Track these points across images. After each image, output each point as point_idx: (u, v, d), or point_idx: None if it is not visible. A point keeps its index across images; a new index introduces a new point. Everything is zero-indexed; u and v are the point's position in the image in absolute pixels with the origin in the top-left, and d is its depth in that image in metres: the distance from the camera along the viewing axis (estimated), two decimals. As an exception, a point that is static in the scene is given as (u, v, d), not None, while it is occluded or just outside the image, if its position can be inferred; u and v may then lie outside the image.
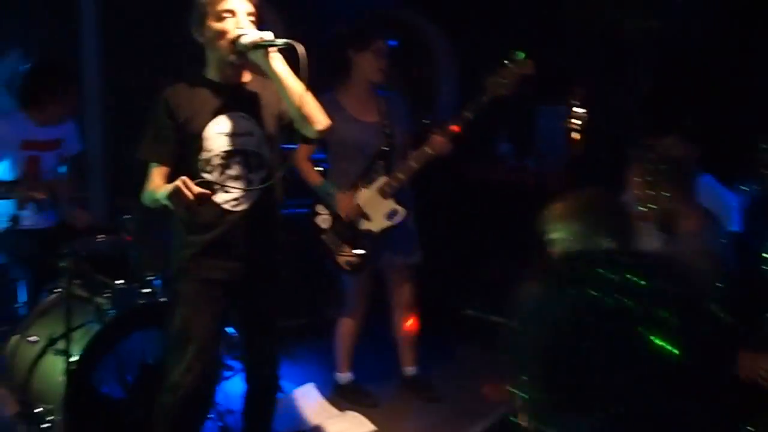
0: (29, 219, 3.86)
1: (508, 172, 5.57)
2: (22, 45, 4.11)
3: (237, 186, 2.76)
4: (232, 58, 2.71)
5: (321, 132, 2.79)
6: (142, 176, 2.81)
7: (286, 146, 3.01)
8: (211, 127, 2.74)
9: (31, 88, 3.88)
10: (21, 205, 3.74)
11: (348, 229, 3.81)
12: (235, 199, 2.78)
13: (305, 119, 2.73)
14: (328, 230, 3.83)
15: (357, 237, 3.80)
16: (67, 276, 3.15)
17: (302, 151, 3.78)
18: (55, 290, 3.48)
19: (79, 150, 4.38)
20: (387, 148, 3.79)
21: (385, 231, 3.80)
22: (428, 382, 4.32)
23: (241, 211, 2.78)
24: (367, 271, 3.91)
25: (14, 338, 3.37)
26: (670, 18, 4.49)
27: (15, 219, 3.72)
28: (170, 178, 2.69)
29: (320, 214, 3.85)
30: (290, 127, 2.85)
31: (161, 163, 2.77)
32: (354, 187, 3.79)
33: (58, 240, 3.53)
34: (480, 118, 3.63)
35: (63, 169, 4.18)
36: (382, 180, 3.77)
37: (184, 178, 2.51)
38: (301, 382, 4.20)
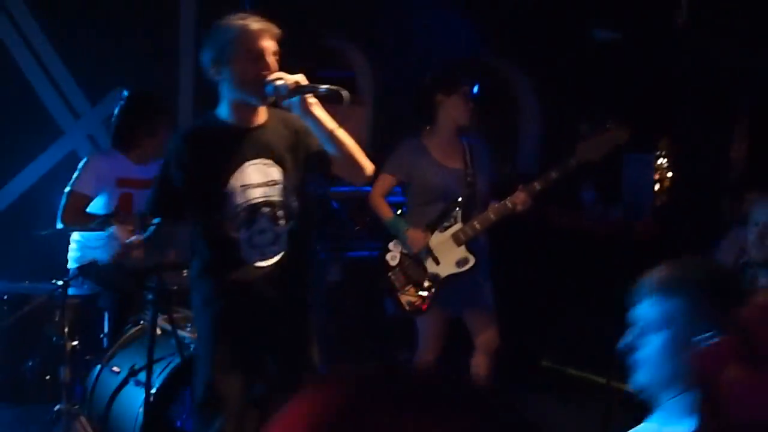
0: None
1: (593, 220, 5.44)
2: (124, 85, 4.30)
3: (265, 241, 2.61)
4: (262, 102, 2.57)
5: (367, 178, 2.70)
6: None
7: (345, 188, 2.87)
8: (235, 180, 2.55)
9: (127, 125, 4.00)
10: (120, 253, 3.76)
11: (415, 270, 3.78)
12: (262, 255, 2.62)
13: (351, 166, 2.61)
14: (396, 268, 3.82)
15: (423, 278, 3.77)
16: (152, 309, 3.24)
17: (378, 188, 3.81)
18: (139, 322, 3.58)
19: None
20: (467, 196, 3.79)
21: (452, 277, 3.76)
22: None
23: (270, 265, 2.63)
24: (441, 316, 3.86)
25: (97, 368, 3.47)
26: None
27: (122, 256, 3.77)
28: (195, 232, 2.63)
29: (390, 251, 3.85)
30: (318, 161, 2.66)
31: (167, 218, 2.69)
32: (429, 229, 3.78)
33: (146, 274, 3.66)
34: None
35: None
36: (457, 226, 3.75)
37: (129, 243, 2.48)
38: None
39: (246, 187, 2.56)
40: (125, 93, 4.08)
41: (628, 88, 5.37)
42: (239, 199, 2.55)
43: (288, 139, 2.65)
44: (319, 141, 2.62)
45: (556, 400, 4.61)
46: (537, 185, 3.63)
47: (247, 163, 2.57)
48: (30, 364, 3.57)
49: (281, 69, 2.55)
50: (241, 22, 2.53)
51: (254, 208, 2.57)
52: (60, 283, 3.32)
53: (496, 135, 7.37)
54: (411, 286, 3.78)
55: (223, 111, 2.62)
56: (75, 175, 3.93)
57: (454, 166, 3.84)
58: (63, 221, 3.85)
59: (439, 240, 3.76)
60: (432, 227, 3.79)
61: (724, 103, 4.93)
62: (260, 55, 2.49)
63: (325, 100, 2.59)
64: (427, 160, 3.77)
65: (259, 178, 2.58)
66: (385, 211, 3.84)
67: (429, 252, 3.77)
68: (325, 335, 4.68)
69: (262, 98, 2.54)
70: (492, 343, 3.99)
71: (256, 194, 2.57)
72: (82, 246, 4.01)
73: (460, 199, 3.78)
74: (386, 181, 3.84)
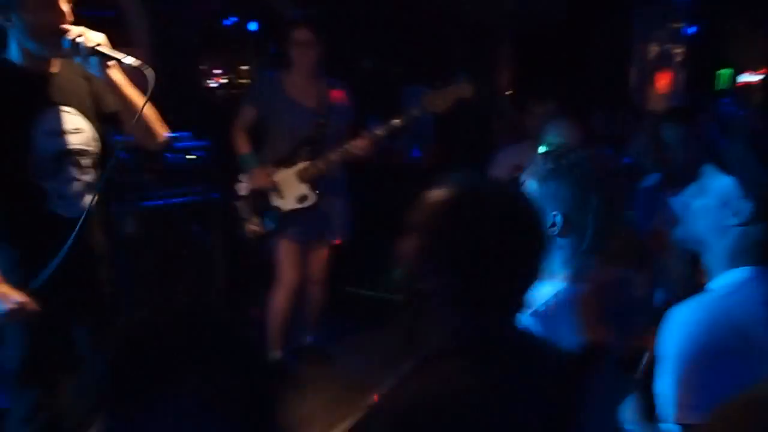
0: None
1: (382, 152, 5.69)
2: None
3: (74, 191, 2.49)
4: (56, 55, 2.42)
5: (161, 144, 2.65)
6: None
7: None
8: (37, 127, 2.40)
9: None
10: None
11: (260, 202, 3.99)
12: (72, 206, 2.49)
13: (145, 131, 2.54)
14: (244, 199, 4.03)
15: (266, 210, 3.98)
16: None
17: (240, 121, 3.97)
18: None
19: None
20: (318, 136, 3.93)
21: (294, 212, 3.97)
22: (325, 351, 4.47)
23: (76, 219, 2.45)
24: (291, 247, 4.04)
25: None
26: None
27: None
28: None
29: (242, 182, 4.04)
30: (113, 121, 2.59)
31: None
32: (277, 164, 3.95)
33: None
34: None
35: None
36: (304, 165, 3.91)
37: (20, 301, 2.27)
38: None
39: (50, 133, 2.43)
40: None
41: (402, 24, 5.63)
42: (42, 147, 2.41)
43: (85, 88, 2.55)
44: (113, 101, 2.54)
45: (364, 324, 4.86)
46: (380, 132, 3.83)
47: (49, 109, 2.43)
48: None
49: None
50: None
51: (61, 157, 2.44)
52: None
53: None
54: (255, 216, 4.01)
55: (14, 56, 2.42)
56: None
57: (307, 105, 3.95)
58: None
59: (285, 176, 3.95)
60: (280, 163, 3.97)
61: (489, 36, 5.35)
62: (54, 2, 2.32)
63: (125, 72, 2.48)
64: (281, 96, 3.92)
65: (63, 126, 2.45)
66: (242, 146, 4.00)
67: (275, 186, 3.97)
68: (125, 288, 4.55)
69: (57, 52, 2.40)
70: (323, 272, 4.27)
71: (62, 142, 2.44)
72: None
73: (309, 137, 3.92)
74: (247, 112, 4.00)
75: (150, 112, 2.54)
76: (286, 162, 3.97)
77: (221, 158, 4.87)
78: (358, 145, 3.83)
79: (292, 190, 3.96)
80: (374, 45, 6.00)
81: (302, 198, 3.95)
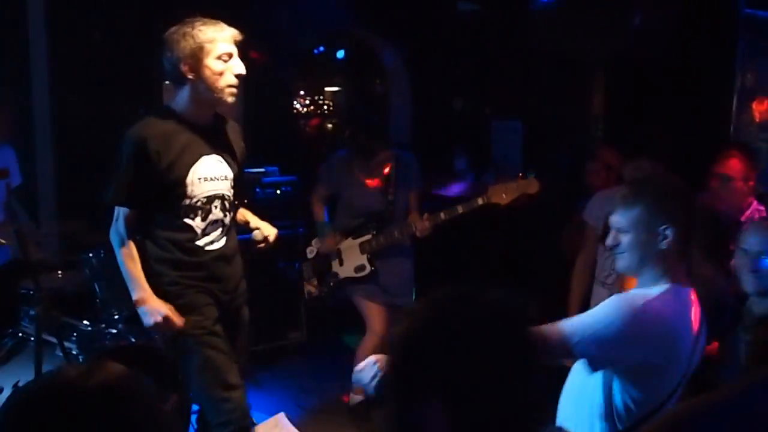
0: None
1: (467, 187, 5.63)
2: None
3: (216, 232, 2.81)
4: (230, 100, 2.71)
5: None
6: (102, 212, 2.76)
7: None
8: (194, 172, 2.71)
9: None
10: None
11: (322, 266, 4.22)
12: (211, 242, 2.81)
13: None
14: (309, 260, 4.28)
15: (326, 275, 4.20)
16: (37, 323, 3.05)
17: (316, 194, 4.22)
18: (18, 335, 3.38)
19: (19, 183, 4.36)
20: (385, 212, 4.10)
21: (349, 279, 4.13)
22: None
23: (217, 250, 2.82)
24: (382, 299, 4.12)
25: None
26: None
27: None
28: (145, 220, 2.73)
29: (311, 246, 4.29)
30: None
31: (135, 208, 2.71)
32: (343, 234, 4.16)
33: (14, 278, 3.43)
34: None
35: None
36: (368, 237, 4.10)
37: (168, 315, 2.59)
38: (269, 411, 4.16)
39: (203, 179, 2.73)
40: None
41: (492, 59, 5.56)
42: (197, 190, 2.72)
43: (231, 139, 2.90)
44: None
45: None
46: (443, 216, 3.87)
47: (204, 157, 2.74)
48: None
49: None
50: (211, 27, 2.65)
51: (209, 200, 2.76)
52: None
53: (368, 107, 7.45)
54: (315, 278, 4.25)
55: (181, 107, 2.73)
56: None
57: (374, 185, 4.10)
58: None
59: (349, 245, 4.14)
60: (347, 233, 4.16)
61: (580, 72, 5.21)
62: (230, 57, 2.66)
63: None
64: (351, 179, 4.08)
65: (213, 173, 2.77)
66: (318, 214, 4.25)
67: (338, 254, 4.15)
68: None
69: (231, 95, 2.70)
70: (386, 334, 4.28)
71: (211, 187, 2.76)
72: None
73: (375, 214, 4.08)
74: (321, 189, 4.23)
75: None
76: (352, 233, 4.14)
77: (307, 193, 4.95)
78: (420, 227, 3.93)
79: (351, 260, 4.14)
80: (464, 83, 5.95)
81: (360, 268, 4.12)
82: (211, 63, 2.62)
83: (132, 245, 2.70)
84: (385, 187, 4.11)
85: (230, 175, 2.83)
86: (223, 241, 2.84)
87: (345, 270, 4.16)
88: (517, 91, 5.54)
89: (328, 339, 5.12)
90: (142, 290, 2.65)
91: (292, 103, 7.29)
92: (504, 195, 3.73)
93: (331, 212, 4.27)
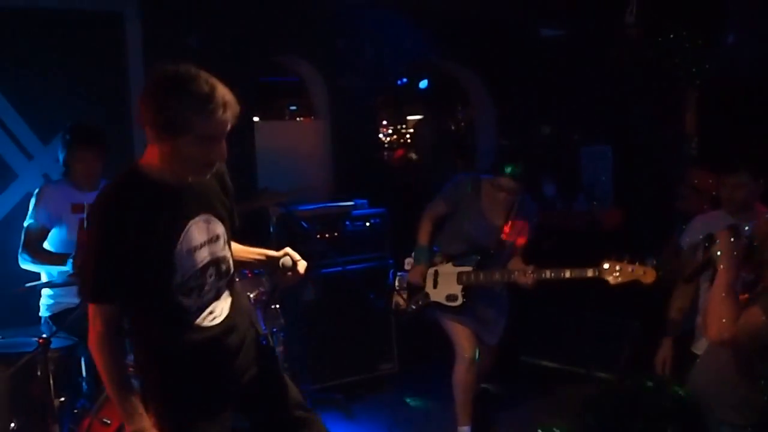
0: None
1: (557, 214, 5.56)
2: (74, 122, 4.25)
3: (209, 299, 2.37)
4: (197, 179, 2.29)
5: None
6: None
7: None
8: (181, 245, 2.25)
9: (62, 154, 3.97)
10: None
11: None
12: (211, 312, 2.39)
13: None
14: (405, 273, 4.26)
15: (417, 292, 4.16)
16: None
17: (431, 211, 4.15)
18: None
19: None
20: (494, 251, 4.04)
21: (439, 304, 4.09)
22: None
23: (220, 323, 2.41)
24: (472, 326, 4.09)
25: (87, 421, 3.40)
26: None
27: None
28: (135, 309, 2.30)
29: (410, 258, 4.24)
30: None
31: (117, 304, 2.22)
32: (446, 258, 4.11)
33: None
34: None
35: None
36: (468, 269, 4.02)
37: None
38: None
39: (192, 250, 2.30)
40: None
41: (579, 84, 5.49)
42: (187, 264, 2.28)
43: (216, 187, 2.44)
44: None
45: (536, 394, 4.72)
46: (549, 274, 3.79)
47: (190, 223, 2.29)
48: (14, 426, 3.44)
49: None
50: (209, 104, 2.14)
51: (203, 272, 2.33)
52: (41, 339, 3.24)
53: (454, 137, 7.50)
54: (406, 292, 4.21)
55: (158, 165, 2.24)
56: (30, 209, 3.90)
57: (494, 222, 4.07)
58: (26, 256, 3.83)
59: (449, 270, 4.08)
60: (449, 259, 4.12)
61: (670, 92, 5.08)
62: (217, 140, 2.21)
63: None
64: (474, 205, 4.06)
65: (203, 237, 2.33)
66: (423, 236, 4.17)
67: (435, 274, 4.12)
68: (307, 355, 4.73)
69: (199, 177, 2.30)
70: (487, 368, 4.37)
71: (203, 255, 2.33)
72: (54, 293, 3.93)
73: (484, 249, 4.04)
74: (439, 207, 4.17)
75: None
76: (453, 259, 4.10)
77: (396, 226, 4.98)
78: (522, 279, 3.84)
79: (446, 286, 4.08)
80: (550, 110, 5.90)
81: (452, 297, 4.06)
82: (191, 142, 2.13)
83: (120, 353, 2.25)
84: (502, 226, 4.06)
85: (222, 231, 2.39)
86: (226, 306, 2.44)
87: (437, 294, 4.11)
88: (605, 115, 5.45)
89: (420, 370, 5.11)
90: (142, 419, 2.21)
91: (378, 136, 7.39)
92: (616, 275, 3.57)
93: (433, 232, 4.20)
